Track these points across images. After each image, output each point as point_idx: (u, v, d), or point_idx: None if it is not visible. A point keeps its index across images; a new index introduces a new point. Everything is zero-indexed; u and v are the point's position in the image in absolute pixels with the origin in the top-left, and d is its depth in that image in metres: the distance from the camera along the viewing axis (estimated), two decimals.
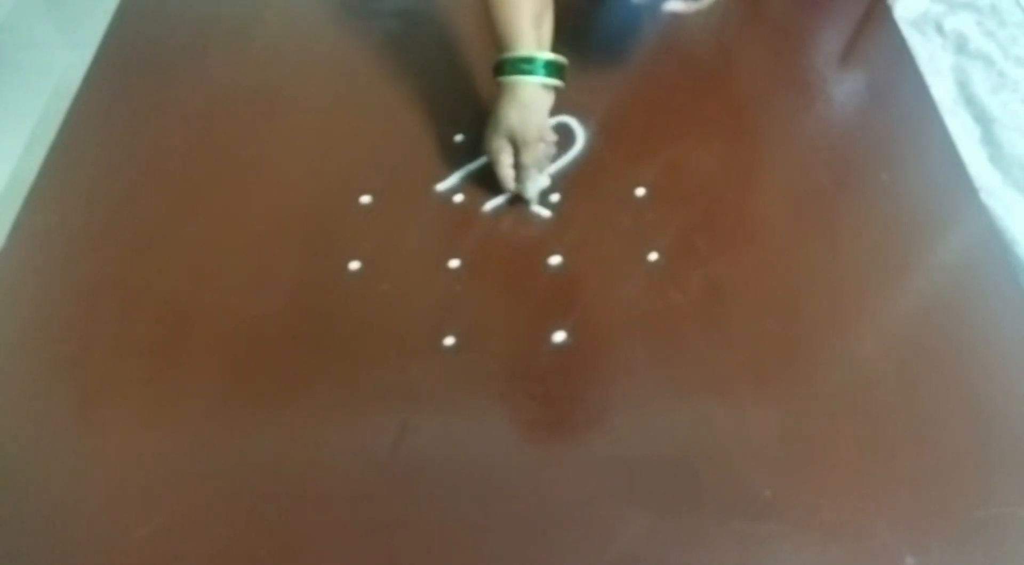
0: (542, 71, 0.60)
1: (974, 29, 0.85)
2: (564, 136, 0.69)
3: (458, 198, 0.65)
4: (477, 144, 0.68)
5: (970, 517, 0.49)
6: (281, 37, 0.78)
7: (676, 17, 0.61)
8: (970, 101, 0.79)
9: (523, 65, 0.59)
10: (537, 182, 0.62)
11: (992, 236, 0.65)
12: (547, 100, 0.61)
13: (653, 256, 0.61)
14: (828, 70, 0.76)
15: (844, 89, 0.74)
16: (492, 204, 0.65)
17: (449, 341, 0.56)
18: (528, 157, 0.61)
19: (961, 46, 0.84)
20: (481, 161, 0.67)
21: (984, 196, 0.67)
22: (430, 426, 0.52)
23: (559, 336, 0.57)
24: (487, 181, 0.65)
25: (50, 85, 0.74)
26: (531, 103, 0.60)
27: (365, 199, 0.64)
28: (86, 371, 0.55)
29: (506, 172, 0.62)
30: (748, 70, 0.75)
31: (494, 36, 0.61)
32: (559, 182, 0.66)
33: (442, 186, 0.66)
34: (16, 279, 0.60)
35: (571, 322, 0.57)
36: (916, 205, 0.66)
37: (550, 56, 0.60)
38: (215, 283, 0.59)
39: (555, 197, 0.65)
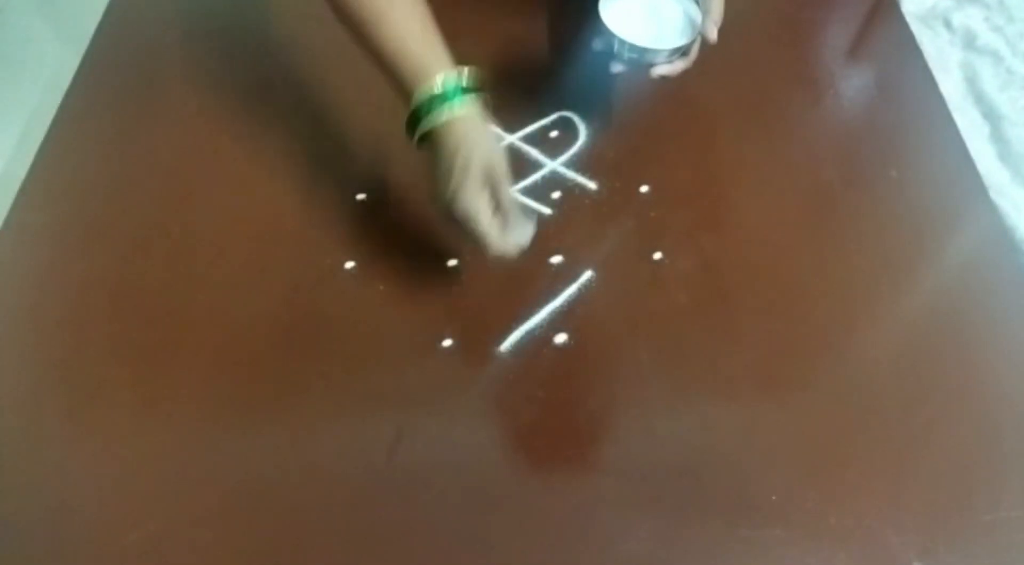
0: (478, 90, 0.49)
1: (982, 25, 0.85)
2: (566, 131, 0.68)
3: None
4: None
5: (978, 521, 0.48)
6: (276, 34, 0.77)
7: (665, 79, 0.59)
8: (979, 98, 0.78)
9: (462, 92, 0.48)
10: (527, 223, 0.50)
11: (1001, 235, 0.64)
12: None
13: (657, 255, 0.60)
14: (836, 65, 0.75)
15: (852, 84, 0.73)
16: None
17: (447, 343, 0.55)
18: (508, 195, 0.49)
19: (969, 42, 0.83)
20: None
21: (993, 194, 0.66)
22: (427, 430, 0.52)
23: (560, 337, 0.56)
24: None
25: (42, 80, 0.73)
26: (490, 130, 0.49)
27: (361, 197, 0.63)
28: (77, 372, 0.54)
29: (493, 223, 0.48)
30: (754, 65, 0.74)
31: (392, 64, 0.49)
32: (561, 180, 0.65)
33: None
34: (6, 278, 0.59)
35: (573, 323, 0.56)
36: (925, 203, 0.65)
37: (469, 69, 0.49)
38: (208, 283, 0.58)
39: (556, 195, 0.64)
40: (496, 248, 0.49)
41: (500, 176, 0.49)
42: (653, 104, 0.70)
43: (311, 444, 0.51)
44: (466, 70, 0.50)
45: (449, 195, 0.48)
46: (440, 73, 0.48)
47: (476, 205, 0.47)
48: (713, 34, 0.58)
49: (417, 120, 0.49)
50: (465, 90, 0.49)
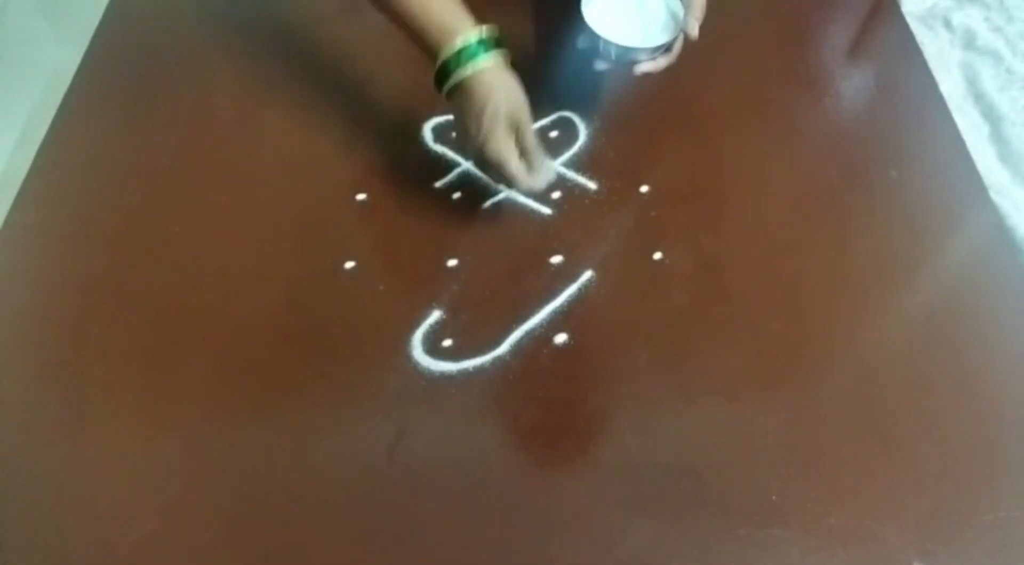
0: (502, 44, 0.54)
1: (982, 25, 0.84)
2: (565, 131, 0.68)
3: (456, 195, 0.64)
4: None
5: (979, 521, 0.48)
6: (274, 33, 0.77)
7: (648, 76, 0.60)
8: (979, 98, 0.78)
9: (485, 47, 0.53)
10: (548, 163, 0.56)
11: (1001, 235, 0.64)
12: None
13: (658, 255, 0.60)
14: (836, 65, 0.75)
15: (852, 84, 0.73)
16: (492, 201, 0.64)
17: (447, 343, 0.55)
18: (532, 139, 0.55)
19: (969, 42, 0.83)
20: None
21: (993, 194, 0.66)
22: (427, 430, 0.51)
23: (560, 337, 0.56)
24: (486, 178, 0.64)
25: (42, 81, 0.73)
26: (514, 80, 0.54)
27: (360, 196, 0.63)
28: (77, 372, 0.54)
29: (520, 165, 0.54)
30: (754, 65, 0.74)
31: (416, 25, 0.54)
32: (560, 179, 0.65)
33: (440, 183, 0.65)
34: (6, 278, 0.59)
35: (573, 323, 0.56)
36: (925, 203, 0.65)
37: (489, 26, 0.54)
38: (208, 283, 0.58)
39: (556, 194, 0.64)
40: (524, 187, 0.55)
41: (525, 121, 0.54)
42: (653, 104, 0.70)
43: (311, 444, 0.51)
44: (486, 27, 0.54)
45: (480, 141, 0.53)
46: (464, 31, 0.53)
47: (505, 150, 0.53)
48: (695, 30, 0.58)
49: (446, 75, 0.54)
50: (487, 45, 0.53)
